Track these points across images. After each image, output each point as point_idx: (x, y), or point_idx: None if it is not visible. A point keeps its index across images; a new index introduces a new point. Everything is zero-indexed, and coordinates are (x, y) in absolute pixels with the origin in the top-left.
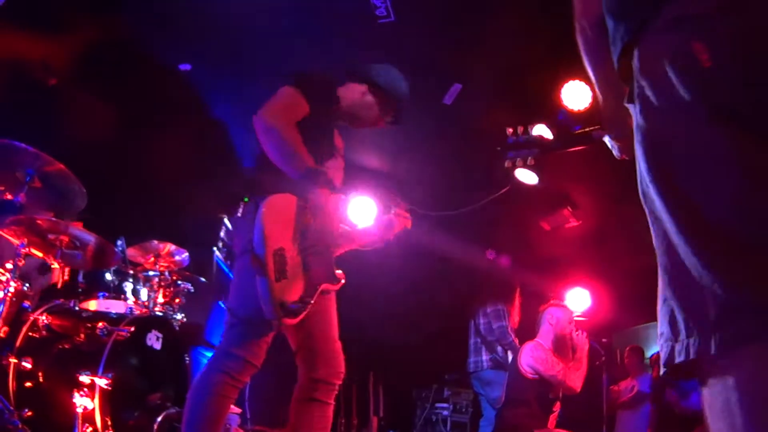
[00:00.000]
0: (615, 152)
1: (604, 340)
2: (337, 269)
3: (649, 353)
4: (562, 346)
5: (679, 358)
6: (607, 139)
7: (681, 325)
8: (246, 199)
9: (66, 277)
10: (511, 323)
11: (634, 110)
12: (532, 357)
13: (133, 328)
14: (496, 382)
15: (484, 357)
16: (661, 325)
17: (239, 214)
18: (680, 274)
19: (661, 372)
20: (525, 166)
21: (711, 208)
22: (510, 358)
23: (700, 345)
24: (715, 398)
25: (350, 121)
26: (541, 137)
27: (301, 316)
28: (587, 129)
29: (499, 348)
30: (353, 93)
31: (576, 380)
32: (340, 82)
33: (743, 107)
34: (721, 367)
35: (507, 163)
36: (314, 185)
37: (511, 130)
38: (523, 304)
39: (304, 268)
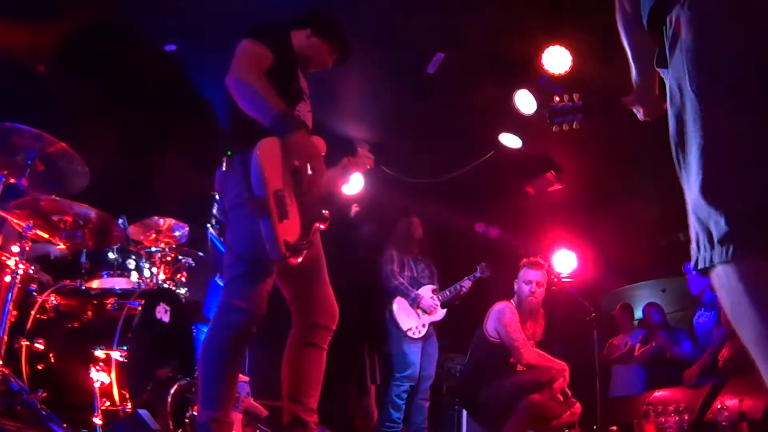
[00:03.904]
0: (639, 115)
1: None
2: (324, 208)
3: (637, 312)
4: (531, 311)
5: (700, 266)
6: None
7: (700, 243)
8: (229, 153)
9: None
10: (411, 270)
11: (665, 72)
12: (497, 318)
13: (143, 301)
14: (391, 335)
15: (386, 310)
16: (693, 241)
17: (224, 169)
18: (698, 207)
19: (695, 271)
20: (571, 129)
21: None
22: (396, 302)
23: (711, 257)
24: (722, 287)
25: (302, 64)
26: (583, 103)
27: (304, 254)
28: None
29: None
30: (300, 37)
31: (531, 354)
32: (288, 29)
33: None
34: (726, 271)
35: (555, 128)
36: (289, 127)
37: (557, 98)
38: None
39: (300, 207)
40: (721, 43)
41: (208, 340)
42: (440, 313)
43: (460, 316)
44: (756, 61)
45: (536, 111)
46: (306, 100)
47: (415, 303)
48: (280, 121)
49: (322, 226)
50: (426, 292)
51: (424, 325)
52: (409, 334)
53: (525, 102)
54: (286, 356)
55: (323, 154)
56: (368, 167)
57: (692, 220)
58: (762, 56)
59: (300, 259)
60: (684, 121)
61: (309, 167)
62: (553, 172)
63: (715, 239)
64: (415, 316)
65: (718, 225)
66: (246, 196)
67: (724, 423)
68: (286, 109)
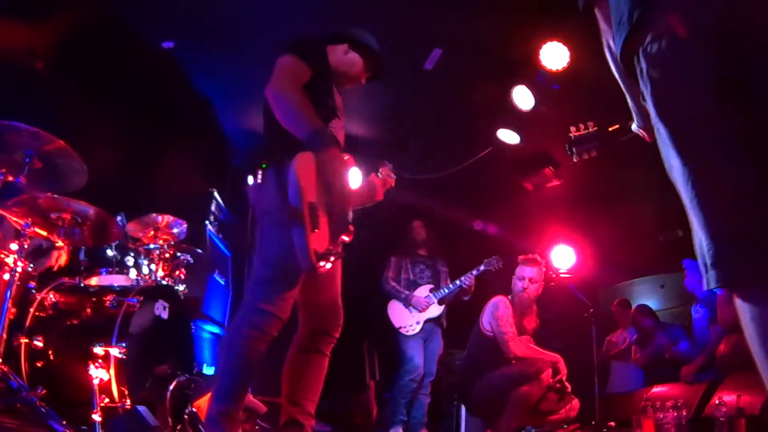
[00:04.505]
0: (646, 138)
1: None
2: (349, 223)
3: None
4: (522, 306)
5: (704, 287)
6: (634, 128)
7: (701, 266)
8: (264, 166)
9: (65, 259)
10: (408, 273)
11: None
12: (492, 313)
13: (141, 298)
14: (390, 334)
15: None
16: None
17: (258, 180)
18: (695, 232)
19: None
20: (589, 158)
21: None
22: (390, 303)
23: (708, 282)
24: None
25: (337, 80)
26: (598, 131)
27: (331, 264)
28: (622, 125)
29: None
30: (336, 52)
31: (519, 347)
32: (325, 45)
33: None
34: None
35: (575, 158)
36: (323, 145)
37: (574, 128)
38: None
39: (329, 220)
40: (681, 77)
41: (231, 336)
42: (434, 310)
43: (461, 312)
44: (716, 93)
45: (534, 107)
46: (340, 117)
47: (407, 302)
48: (315, 138)
49: (347, 239)
50: (422, 291)
51: (417, 323)
52: (402, 331)
53: (523, 98)
54: (289, 359)
55: (351, 171)
56: (391, 186)
57: (695, 243)
58: (721, 89)
59: (328, 267)
60: (666, 149)
61: (334, 181)
62: (551, 168)
63: (708, 264)
64: (408, 315)
65: (709, 250)
66: (280, 205)
67: (721, 419)
68: (322, 127)
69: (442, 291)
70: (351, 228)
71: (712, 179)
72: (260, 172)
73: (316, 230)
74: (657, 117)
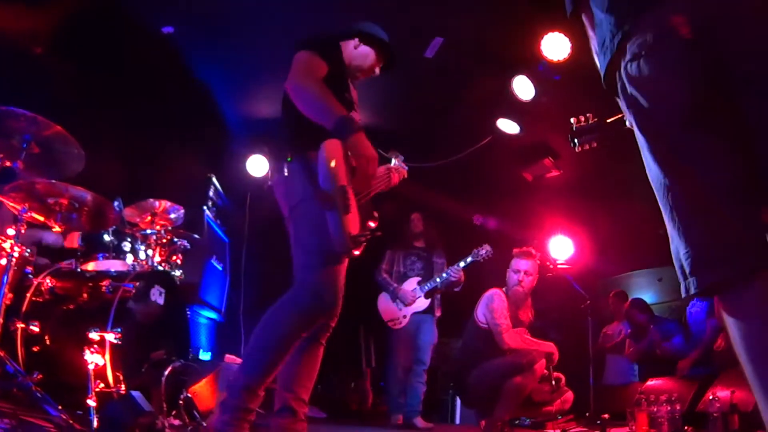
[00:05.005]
0: None
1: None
2: (373, 209)
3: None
4: (516, 299)
5: (683, 294)
6: (629, 123)
7: (679, 273)
8: (290, 159)
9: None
10: (399, 266)
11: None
12: (486, 305)
13: (138, 283)
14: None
15: None
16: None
17: (285, 173)
18: (672, 239)
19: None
20: (590, 148)
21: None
22: (381, 296)
23: (686, 288)
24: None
25: (352, 74)
26: (598, 122)
27: (362, 247)
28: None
29: None
30: (348, 48)
31: (513, 339)
32: (337, 41)
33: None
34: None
35: (578, 149)
36: (350, 131)
37: (574, 119)
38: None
39: (358, 204)
40: (657, 95)
41: (275, 313)
42: (421, 304)
43: (457, 301)
44: (688, 111)
45: (534, 97)
46: (356, 110)
47: (394, 296)
48: (342, 124)
49: (373, 225)
50: (410, 284)
51: (404, 316)
52: (390, 325)
53: (523, 88)
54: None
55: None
56: (403, 176)
57: (672, 251)
58: (694, 107)
59: (359, 251)
60: (646, 159)
61: (361, 167)
62: (551, 158)
63: (687, 271)
64: (395, 309)
65: (687, 258)
66: (310, 193)
67: (715, 414)
68: (347, 113)
69: (429, 284)
70: (376, 214)
71: (688, 187)
72: (285, 166)
73: (347, 214)
74: (637, 128)
